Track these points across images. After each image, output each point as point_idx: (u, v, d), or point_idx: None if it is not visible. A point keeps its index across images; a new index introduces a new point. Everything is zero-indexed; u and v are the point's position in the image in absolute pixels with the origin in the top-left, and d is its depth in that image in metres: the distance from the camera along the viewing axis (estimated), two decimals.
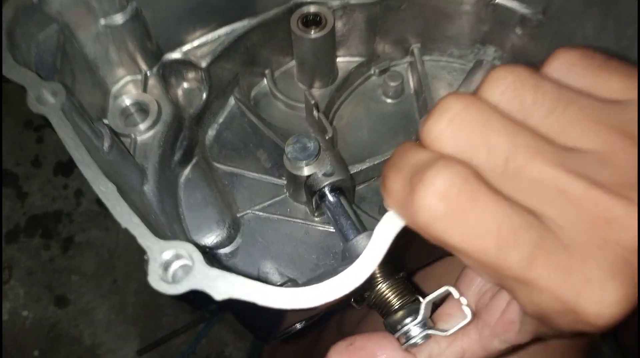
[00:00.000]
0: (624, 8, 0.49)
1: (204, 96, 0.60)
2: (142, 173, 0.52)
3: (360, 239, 0.49)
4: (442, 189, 0.27)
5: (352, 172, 0.62)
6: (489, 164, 0.28)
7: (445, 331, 0.38)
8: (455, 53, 0.73)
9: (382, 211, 0.62)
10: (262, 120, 0.64)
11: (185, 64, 0.59)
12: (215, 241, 0.56)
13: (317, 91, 0.69)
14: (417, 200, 0.28)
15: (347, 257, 0.50)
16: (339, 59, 0.70)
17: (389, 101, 0.72)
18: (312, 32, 0.61)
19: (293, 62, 0.70)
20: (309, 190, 0.54)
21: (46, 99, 0.39)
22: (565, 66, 0.30)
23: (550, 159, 0.27)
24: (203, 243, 0.56)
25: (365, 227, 0.53)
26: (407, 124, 0.70)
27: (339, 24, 0.65)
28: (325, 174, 0.53)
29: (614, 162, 0.27)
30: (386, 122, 0.70)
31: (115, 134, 0.53)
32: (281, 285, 0.53)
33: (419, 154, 0.30)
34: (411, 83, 0.73)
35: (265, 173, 0.61)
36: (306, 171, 0.53)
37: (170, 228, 0.51)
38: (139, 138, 0.54)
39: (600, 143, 0.28)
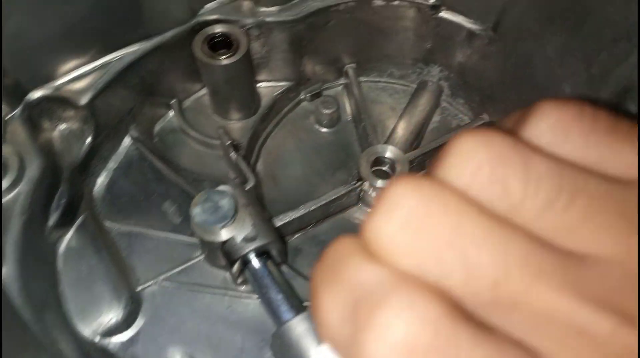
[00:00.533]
0: (594, 28, 0.41)
1: (88, 139, 0.47)
2: None
3: (295, 323, 0.38)
4: (405, 341, 0.17)
5: (283, 222, 0.51)
6: (469, 289, 0.18)
7: None
8: (395, 73, 0.64)
9: None
10: (168, 163, 0.52)
11: (59, 101, 0.46)
12: (107, 326, 0.43)
13: (237, 124, 0.58)
14: (365, 351, 0.18)
15: (280, 345, 0.39)
16: (261, 85, 0.59)
17: (323, 130, 0.62)
18: (222, 57, 0.49)
19: (205, 89, 0.58)
20: (227, 258, 0.43)
21: None
22: (556, 129, 0.21)
23: (560, 281, 0.18)
24: (91, 332, 0.43)
25: (301, 301, 0.43)
26: (347, 158, 0.60)
27: (255, 45, 0.54)
28: (245, 239, 0.42)
29: None
30: (322, 156, 0.60)
31: None
32: None
33: (363, 268, 0.19)
34: (348, 108, 0.63)
35: (174, 230, 0.49)
36: (221, 236, 0.41)
37: (37, 323, 0.38)
38: None
39: (625, 250, 0.18)
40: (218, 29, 0.51)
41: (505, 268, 0.18)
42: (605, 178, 0.19)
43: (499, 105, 0.57)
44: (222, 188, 0.43)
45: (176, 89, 0.56)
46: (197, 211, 0.41)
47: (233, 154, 0.49)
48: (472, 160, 0.19)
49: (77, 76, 0.46)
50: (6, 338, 0.33)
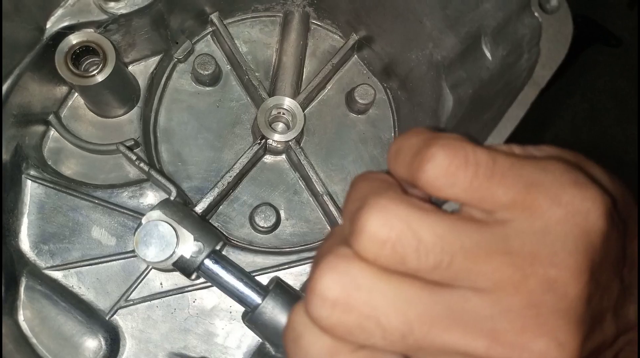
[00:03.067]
0: None
1: None
2: None
3: (266, 305, 0.46)
4: None
5: (208, 203, 0.54)
6: (387, 343, 0.26)
7: None
8: (259, 7, 0.62)
9: (252, 219, 0.57)
10: (76, 188, 0.51)
11: None
12: None
13: (124, 118, 0.56)
14: None
15: (257, 325, 0.47)
16: (133, 67, 0.56)
17: (207, 89, 0.61)
18: (94, 73, 0.46)
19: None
20: (183, 272, 0.47)
21: None
22: (445, 178, 0.27)
23: (446, 324, 0.26)
24: None
25: (257, 282, 0.49)
26: (239, 110, 0.61)
27: (116, 37, 0.51)
28: (194, 254, 0.46)
29: (508, 304, 0.26)
30: (216, 116, 0.61)
31: None
32: None
33: (313, 342, 0.27)
34: (224, 59, 0.62)
35: (114, 251, 0.51)
36: (171, 260, 0.45)
37: None
38: None
39: (492, 284, 0.26)
40: (75, 39, 0.47)
41: (408, 323, 0.26)
42: (478, 225, 0.26)
43: (366, 26, 0.60)
44: (153, 215, 0.45)
45: (49, 104, 0.52)
46: (142, 249, 0.44)
47: (144, 167, 0.50)
48: (377, 240, 0.26)
49: None
50: None
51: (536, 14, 0.38)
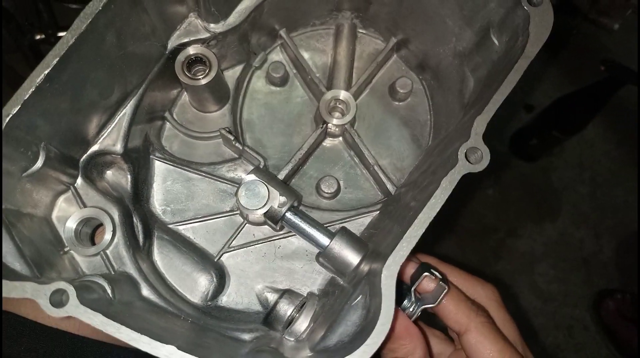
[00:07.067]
0: None
1: (129, 177, 0.62)
2: (133, 283, 0.57)
3: (334, 244, 0.60)
4: None
5: (285, 174, 0.70)
6: None
7: (433, 304, 0.52)
8: (317, 22, 0.78)
9: (318, 188, 0.72)
10: (188, 164, 0.68)
11: (103, 155, 0.60)
12: (211, 292, 0.64)
13: (218, 113, 0.73)
14: None
15: (327, 261, 0.61)
16: (224, 73, 0.73)
17: (278, 89, 0.78)
18: (200, 77, 0.63)
19: (184, 92, 0.72)
20: (270, 221, 0.62)
21: None
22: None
23: None
24: (200, 300, 0.63)
25: (327, 229, 0.64)
26: (303, 105, 0.77)
27: (214, 51, 0.68)
28: (280, 205, 0.61)
29: None
30: (286, 110, 0.77)
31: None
32: (279, 299, 0.64)
33: None
34: (290, 65, 0.78)
35: (217, 211, 0.68)
36: (264, 209, 0.61)
37: (173, 306, 0.58)
38: (109, 251, 0.57)
39: None
40: (191, 51, 0.64)
41: None
42: None
43: (402, 30, 0.74)
44: (249, 177, 0.61)
45: (166, 103, 0.69)
46: (244, 200, 0.60)
47: (239, 145, 0.66)
48: None
49: (106, 133, 0.60)
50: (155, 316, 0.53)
51: (525, 7, 0.52)
